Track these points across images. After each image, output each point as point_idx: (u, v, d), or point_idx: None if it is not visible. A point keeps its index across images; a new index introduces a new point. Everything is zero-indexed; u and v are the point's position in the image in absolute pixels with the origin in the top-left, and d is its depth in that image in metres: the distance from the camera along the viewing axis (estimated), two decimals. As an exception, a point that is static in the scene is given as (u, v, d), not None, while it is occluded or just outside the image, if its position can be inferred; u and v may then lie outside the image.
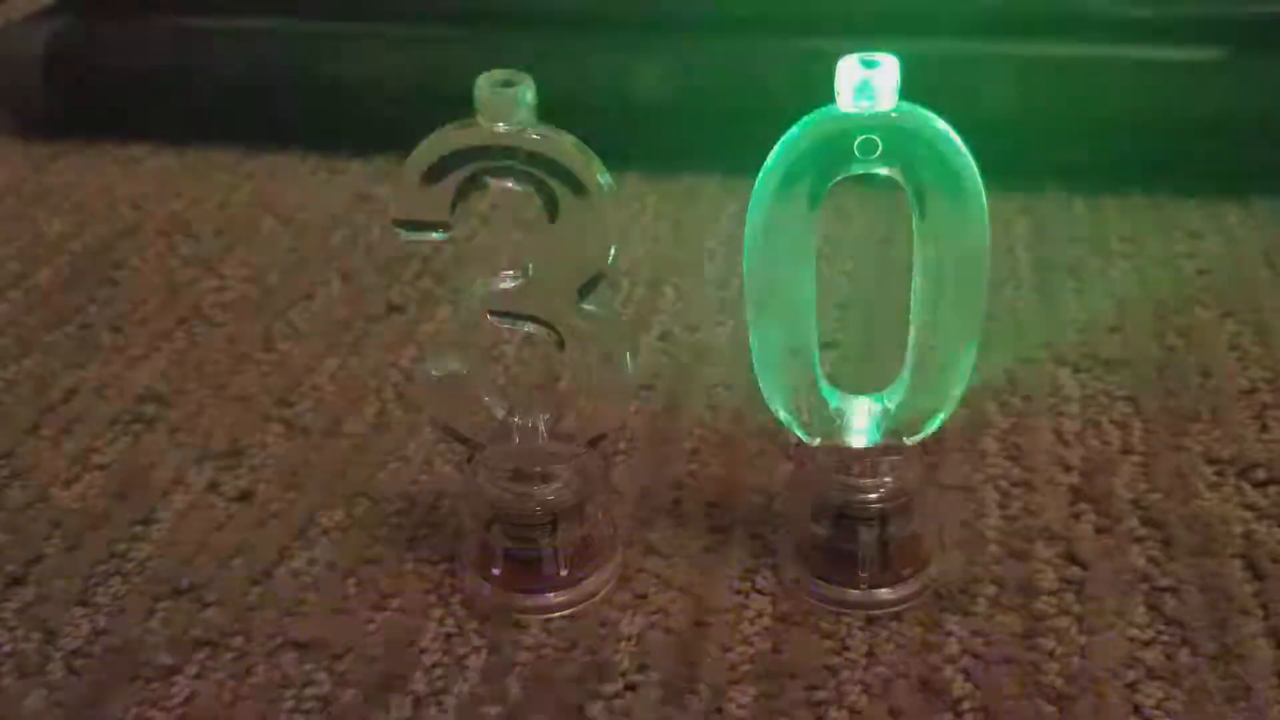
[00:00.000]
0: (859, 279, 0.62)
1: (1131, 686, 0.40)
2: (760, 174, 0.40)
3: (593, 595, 0.44)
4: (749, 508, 0.48)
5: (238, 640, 0.43)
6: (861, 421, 0.43)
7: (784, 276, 0.41)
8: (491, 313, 0.42)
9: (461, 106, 0.40)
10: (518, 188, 0.40)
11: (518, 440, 0.44)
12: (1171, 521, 0.46)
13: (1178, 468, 0.49)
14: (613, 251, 0.41)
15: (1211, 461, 0.49)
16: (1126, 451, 0.50)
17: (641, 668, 0.41)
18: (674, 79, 0.73)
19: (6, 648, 0.43)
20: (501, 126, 0.39)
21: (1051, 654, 0.41)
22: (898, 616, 0.43)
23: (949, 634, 0.42)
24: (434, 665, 0.42)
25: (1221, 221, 0.67)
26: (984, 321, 0.42)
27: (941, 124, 0.39)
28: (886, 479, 0.43)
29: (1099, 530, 0.46)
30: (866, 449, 0.43)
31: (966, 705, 0.40)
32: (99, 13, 0.83)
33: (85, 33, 0.82)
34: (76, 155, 0.80)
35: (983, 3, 0.74)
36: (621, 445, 0.51)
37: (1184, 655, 0.41)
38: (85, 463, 0.52)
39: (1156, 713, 0.39)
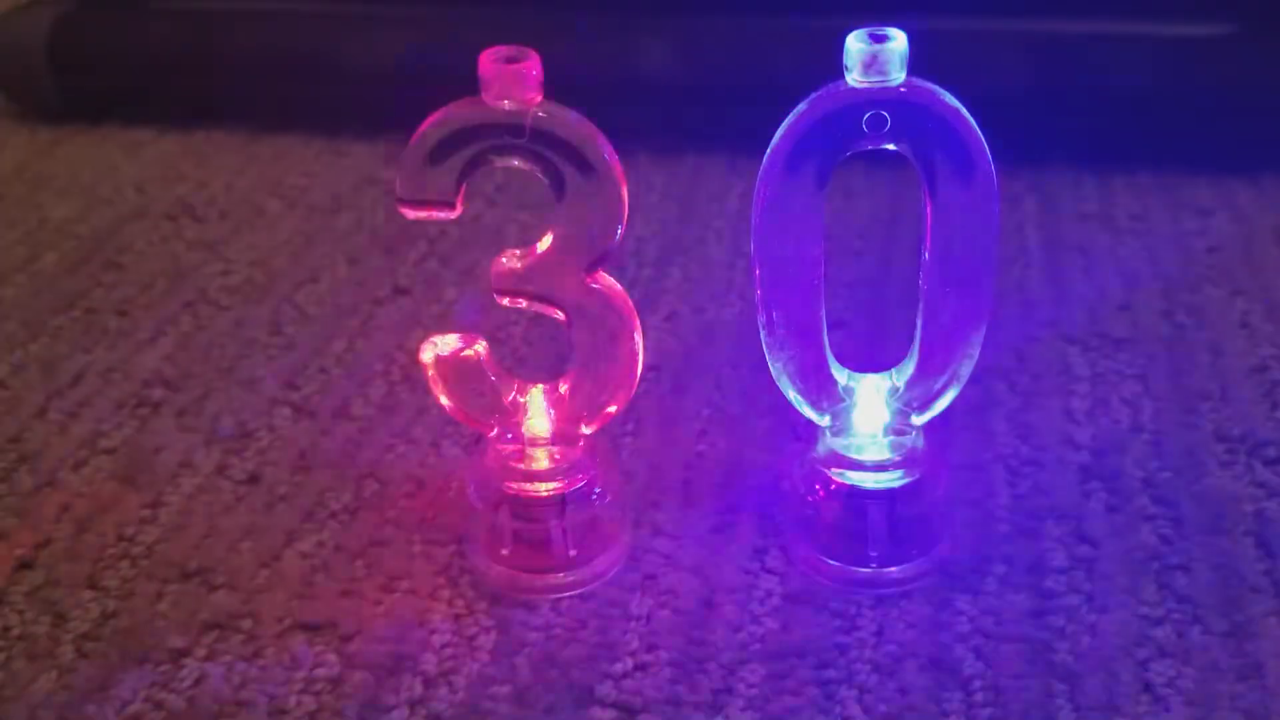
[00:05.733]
0: (867, 257, 0.62)
1: (1142, 664, 0.40)
2: (768, 151, 0.39)
3: (602, 576, 0.44)
4: (758, 488, 0.48)
5: (247, 623, 0.43)
6: (870, 400, 0.43)
7: (792, 255, 0.41)
8: (498, 292, 0.42)
9: (466, 85, 0.39)
10: (523, 166, 0.40)
11: (525, 421, 0.44)
12: (1182, 499, 0.46)
13: (1188, 446, 0.49)
14: (619, 230, 0.41)
15: (1222, 439, 0.49)
16: (1136, 429, 0.50)
17: (651, 648, 0.41)
18: (681, 56, 0.72)
19: (16, 631, 0.43)
20: (507, 104, 0.39)
21: (1062, 632, 0.41)
22: (907, 595, 0.43)
23: (959, 612, 0.42)
24: (443, 646, 0.42)
25: (1231, 199, 0.66)
26: (993, 299, 0.41)
27: (951, 99, 0.39)
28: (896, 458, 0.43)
29: (1109, 509, 0.46)
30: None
31: (977, 684, 0.40)
32: (102, -4, 0.83)
33: (89, 16, 0.81)
34: (81, 139, 0.80)
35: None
36: (629, 426, 0.51)
37: (1195, 633, 0.41)
38: (93, 446, 0.52)
39: (1167, 690, 0.39)
